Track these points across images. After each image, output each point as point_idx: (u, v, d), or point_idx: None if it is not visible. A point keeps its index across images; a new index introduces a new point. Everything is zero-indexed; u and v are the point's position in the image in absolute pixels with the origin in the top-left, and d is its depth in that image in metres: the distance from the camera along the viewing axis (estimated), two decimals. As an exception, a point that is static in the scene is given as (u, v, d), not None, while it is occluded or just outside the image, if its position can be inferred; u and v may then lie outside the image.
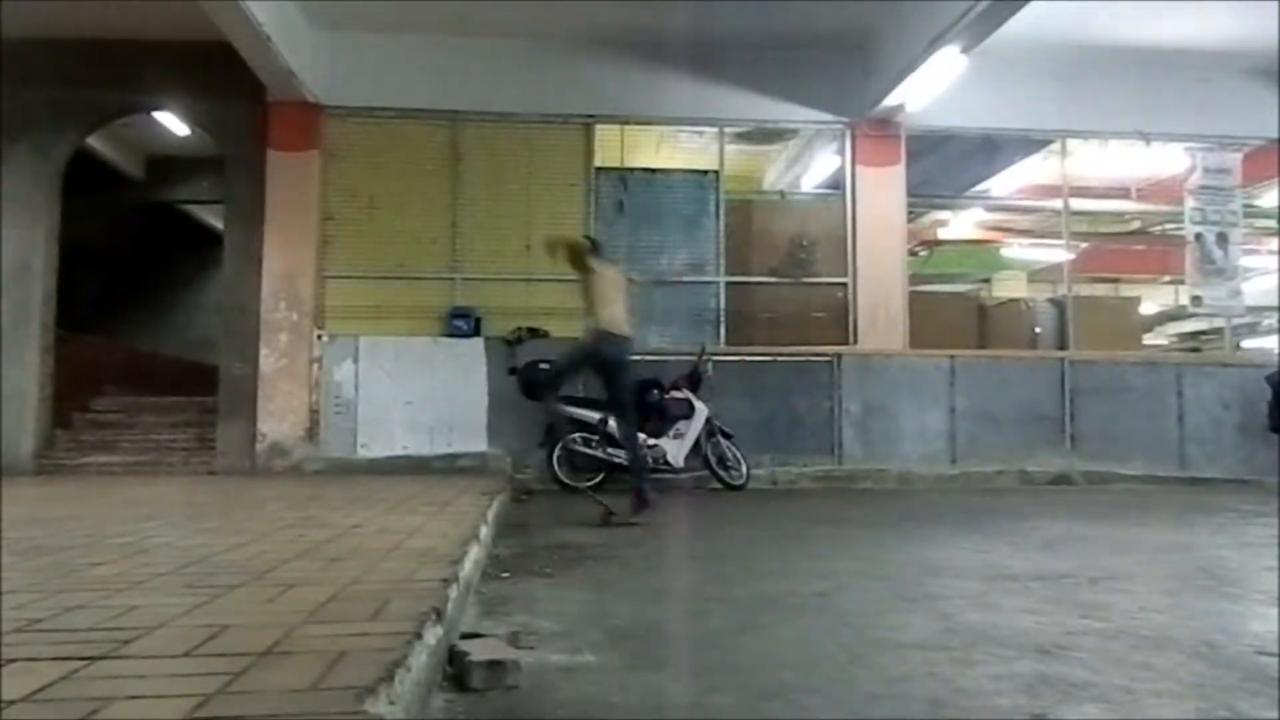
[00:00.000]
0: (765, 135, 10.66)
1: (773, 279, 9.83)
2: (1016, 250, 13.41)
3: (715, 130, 10.01)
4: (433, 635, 2.17)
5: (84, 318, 12.07)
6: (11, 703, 1.58)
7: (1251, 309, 11.34)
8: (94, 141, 11.18)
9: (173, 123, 10.65)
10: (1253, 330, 13.17)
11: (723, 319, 9.69)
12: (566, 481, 8.11)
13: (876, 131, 9.86)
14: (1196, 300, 10.34)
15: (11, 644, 1.99)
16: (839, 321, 9.81)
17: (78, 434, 9.78)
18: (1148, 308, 13.02)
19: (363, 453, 9.05)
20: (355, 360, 9.15)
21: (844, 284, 9.82)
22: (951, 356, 9.66)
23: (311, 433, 9.07)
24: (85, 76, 9.34)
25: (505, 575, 3.81)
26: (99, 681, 1.72)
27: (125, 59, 9.30)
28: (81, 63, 9.32)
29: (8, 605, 2.40)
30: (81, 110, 9.60)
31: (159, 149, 12.89)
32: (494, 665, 2.21)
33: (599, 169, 9.75)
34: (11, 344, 9.16)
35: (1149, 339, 13.33)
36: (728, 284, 9.74)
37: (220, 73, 8.71)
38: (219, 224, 10.90)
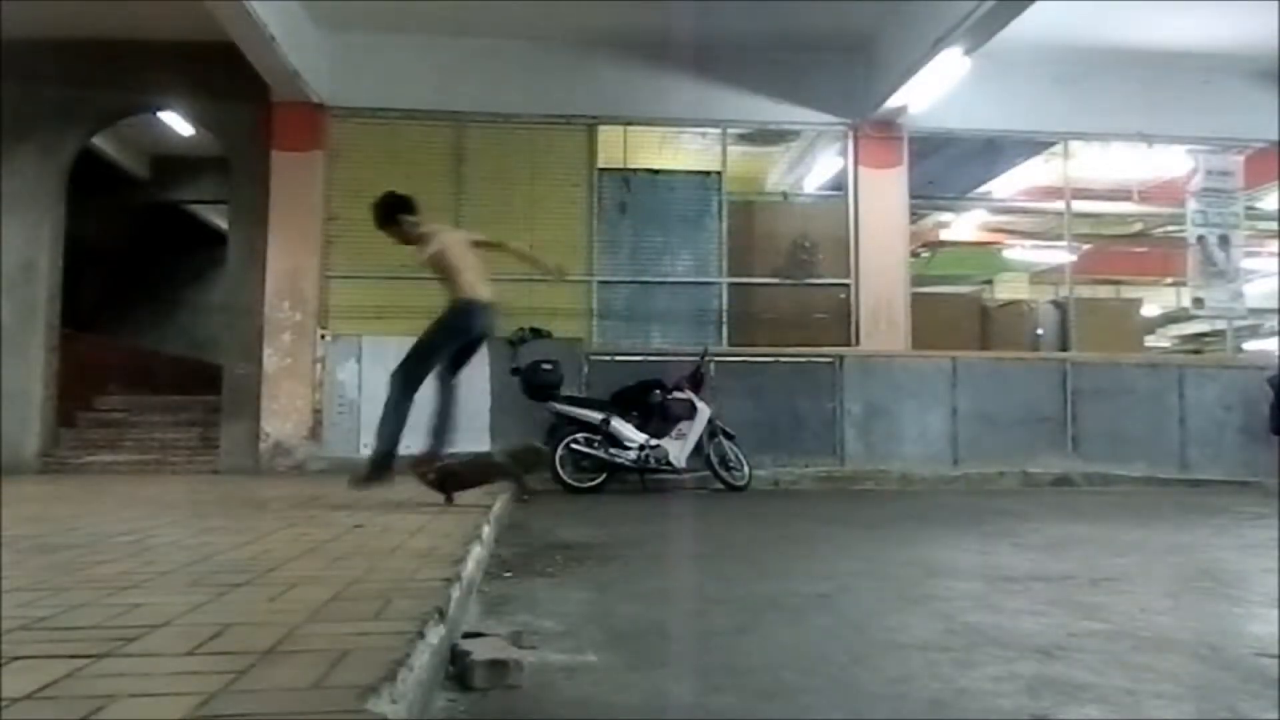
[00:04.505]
0: (768, 137, 10.68)
1: (775, 280, 9.84)
2: (1018, 252, 13.41)
3: (718, 131, 10.02)
4: (435, 634, 2.17)
5: (88, 317, 12.09)
6: (15, 700, 1.59)
7: (1253, 311, 11.34)
8: (99, 141, 11.21)
9: (177, 123, 10.68)
10: (1254, 332, 13.17)
11: (725, 320, 9.70)
12: (569, 481, 8.12)
13: (879, 133, 9.87)
14: (1198, 302, 10.34)
15: (15, 641, 2.00)
16: (841, 322, 9.82)
17: (82, 433, 9.81)
18: (1149, 310, 13.03)
19: (366, 452, 9.00)
20: (358, 360, 9.16)
21: (846, 285, 9.83)
22: (953, 358, 9.67)
23: (315, 432, 9.09)
24: (90, 77, 9.37)
25: (507, 575, 3.81)
26: (102, 679, 1.73)
27: (130, 59, 9.32)
28: (87, 63, 9.35)
29: (13, 603, 2.41)
30: (87, 110, 9.64)
31: (164, 149, 12.92)
32: (496, 665, 2.22)
33: (602, 170, 9.77)
34: (16, 343, 9.19)
35: (1151, 341, 13.34)
36: (730, 285, 9.75)
37: (224, 73, 8.73)
38: (223, 224, 10.92)
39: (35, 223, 9.34)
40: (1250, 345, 13.07)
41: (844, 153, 10.13)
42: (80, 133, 9.73)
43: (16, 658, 1.85)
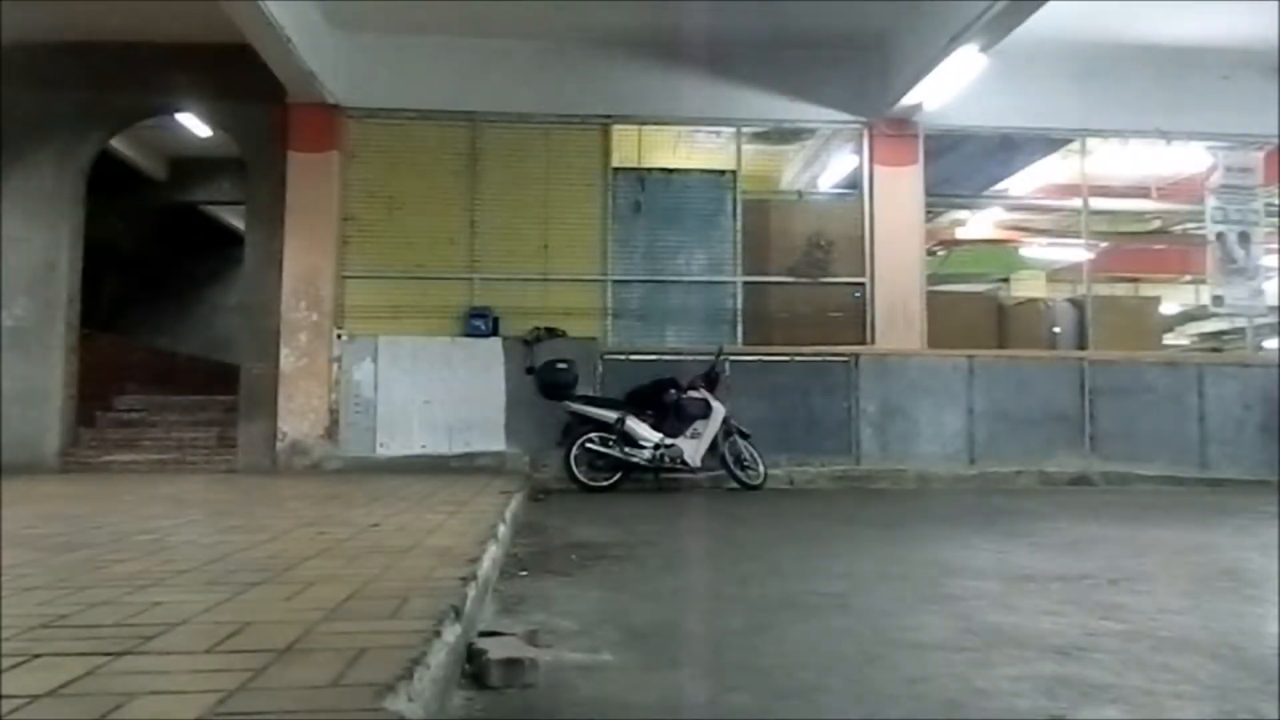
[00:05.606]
0: (782, 135, 10.65)
1: (790, 279, 9.82)
2: (1035, 250, 13.32)
3: (732, 130, 10.01)
4: (451, 633, 2.18)
5: (107, 317, 12.19)
6: (36, 697, 1.60)
7: (1274, 308, 11.22)
8: (117, 143, 11.29)
9: (195, 124, 10.74)
10: (1275, 330, 13.03)
11: (740, 319, 9.69)
12: (584, 480, 8.13)
13: (894, 131, 9.83)
14: (1218, 300, 10.25)
15: (37, 639, 2.02)
16: (856, 321, 9.79)
17: (101, 432, 9.89)
18: (1168, 307, 12.91)
19: (382, 452, 9.10)
20: (374, 360, 9.21)
21: (861, 284, 9.80)
22: (970, 356, 9.62)
23: (331, 432, 9.13)
24: (109, 79, 9.43)
25: (523, 574, 3.82)
26: (122, 677, 1.75)
27: (148, 62, 9.38)
28: (105, 66, 9.41)
29: (34, 601, 2.44)
30: (105, 113, 9.72)
31: (181, 150, 13.00)
32: (512, 663, 2.22)
33: (616, 169, 9.77)
34: (37, 343, 9.27)
35: (1169, 339, 13.22)
36: (745, 284, 9.74)
37: (241, 75, 8.77)
38: (240, 224, 10.99)
39: (55, 224, 9.42)
40: (1271, 343, 12.95)
41: (859, 151, 10.09)
42: (99, 135, 9.81)
43: (37, 655, 1.87)
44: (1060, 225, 11.98)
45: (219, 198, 13.77)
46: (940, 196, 10.73)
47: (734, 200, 9.83)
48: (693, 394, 8.49)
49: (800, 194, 10.84)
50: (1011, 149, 10.63)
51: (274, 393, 9.14)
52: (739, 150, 9.97)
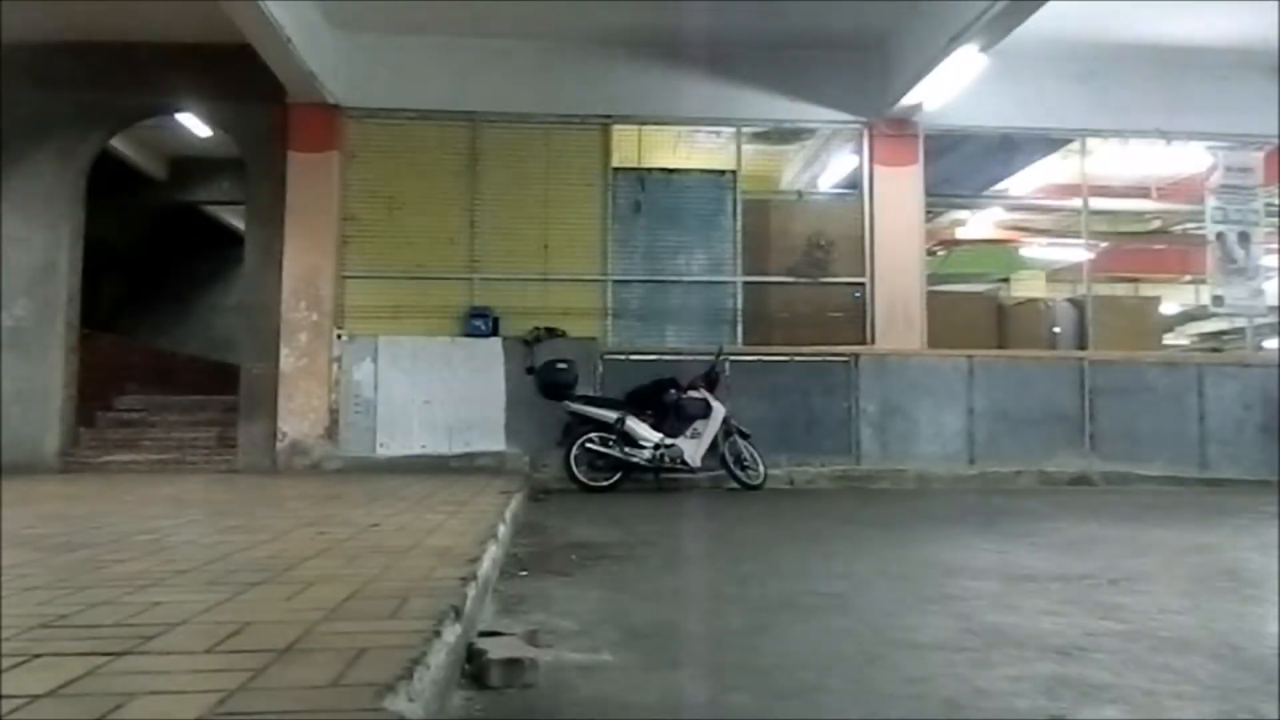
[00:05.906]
0: (782, 135, 10.65)
1: (790, 279, 9.82)
2: (1035, 250, 13.32)
3: (732, 130, 10.00)
4: (451, 633, 2.18)
5: (107, 317, 12.19)
6: (36, 697, 1.60)
7: (1274, 308, 11.22)
8: (117, 143, 11.29)
9: (195, 124, 10.75)
10: (1275, 330, 13.02)
11: (740, 319, 9.69)
12: (584, 480, 8.13)
13: (894, 131, 9.83)
14: (1218, 300, 10.25)
15: (37, 639, 2.02)
16: (856, 321, 9.79)
17: (101, 432, 9.88)
18: (1168, 307, 12.91)
19: (381, 451, 9.10)
20: (374, 360, 9.21)
21: (861, 284, 9.80)
22: (970, 356, 9.62)
23: (331, 432, 9.13)
24: (109, 79, 9.43)
25: (523, 574, 3.82)
26: (122, 677, 1.75)
27: (148, 62, 9.39)
28: (105, 66, 9.41)
29: (33, 601, 2.44)
30: (105, 113, 9.72)
31: (181, 150, 13.00)
32: (512, 663, 2.22)
33: (616, 169, 9.77)
34: (37, 343, 9.27)
35: (1169, 339, 13.21)
36: (745, 284, 9.74)
37: (241, 75, 8.78)
38: (240, 224, 10.99)
39: (55, 224, 9.42)
40: (1270, 343, 12.95)
41: (859, 151, 10.09)
42: (99, 135, 9.81)
43: (38, 655, 1.87)
44: (1060, 225, 11.97)
45: (219, 198, 13.78)
46: (940, 196, 10.73)
47: (734, 200, 9.83)
48: (693, 394, 8.49)
49: (800, 194, 10.84)
50: (1011, 149, 10.63)
51: (274, 393, 9.15)
52: (739, 150, 9.97)
